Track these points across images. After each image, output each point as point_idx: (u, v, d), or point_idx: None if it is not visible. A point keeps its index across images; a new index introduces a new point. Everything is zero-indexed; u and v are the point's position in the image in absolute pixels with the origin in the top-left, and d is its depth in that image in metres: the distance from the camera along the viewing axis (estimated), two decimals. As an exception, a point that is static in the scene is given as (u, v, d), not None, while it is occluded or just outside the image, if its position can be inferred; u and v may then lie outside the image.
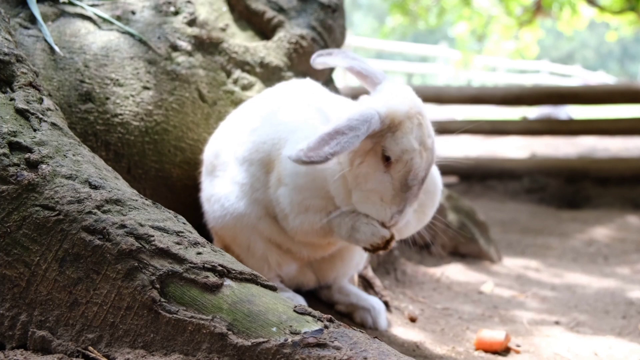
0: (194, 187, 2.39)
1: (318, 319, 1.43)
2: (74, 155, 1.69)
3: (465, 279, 3.20)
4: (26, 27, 2.30)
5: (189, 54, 2.55)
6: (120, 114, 2.33)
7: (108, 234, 1.51)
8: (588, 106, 8.47)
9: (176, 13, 2.62)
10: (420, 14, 13.40)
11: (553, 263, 3.79)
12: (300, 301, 2.10)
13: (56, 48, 2.30)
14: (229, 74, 2.63)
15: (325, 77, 2.83)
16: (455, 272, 3.28)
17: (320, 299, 2.36)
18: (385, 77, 1.90)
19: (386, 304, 2.45)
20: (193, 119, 2.49)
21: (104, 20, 2.49)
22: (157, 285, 1.46)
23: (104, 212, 1.56)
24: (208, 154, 2.26)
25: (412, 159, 1.74)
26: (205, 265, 1.51)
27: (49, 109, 1.80)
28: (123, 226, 1.53)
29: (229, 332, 1.40)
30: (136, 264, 1.48)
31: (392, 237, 1.86)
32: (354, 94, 2.32)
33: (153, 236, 1.53)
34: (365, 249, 1.90)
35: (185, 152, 2.46)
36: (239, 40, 2.72)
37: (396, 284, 2.86)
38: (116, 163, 2.30)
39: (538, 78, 21.95)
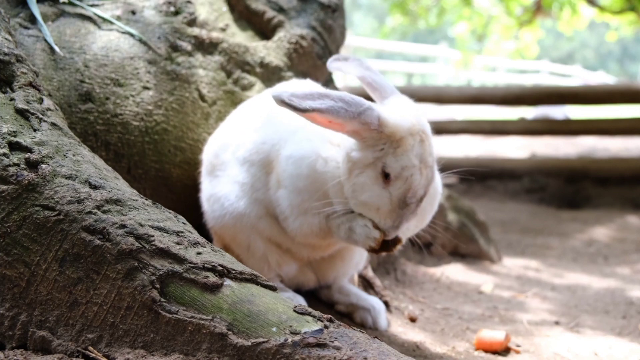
0: (194, 187, 2.39)
1: (318, 319, 1.43)
2: (74, 155, 1.69)
3: (465, 279, 3.20)
4: (26, 27, 2.30)
5: (189, 54, 2.55)
6: (120, 114, 2.33)
7: (108, 234, 1.51)
8: (588, 106, 8.47)
9: (176, 13, 2.62)
10: (420, 14, 13.40)
11: (553, 263, 3.79)
12: (300, 301, 2.10)
13: (56, 48, 2.30)
14: (229, 74, 2.63)
15: (325, 78, 2.83)
16: (455, 272, 3.28)
17: (320, 299, 2.36)
18: (394, 92, 1.89)
19: (386, 304, 2.45)
20: (193, 119, 2.50)
21: (104, 20, 2.49)
22: (157, 285, 1.46)
23: (104, 212, 1.56)
24: (208, 154, 2.26)
25: (412, 176, 1.73)
26: (205, 265, 1.51)
27: (49, 109, 1.80)
28: (123, 226, 1.53)
29: (229, 332, 1.40)
30: (136, 264, 1.48)
31: (398, 241, 1.86)
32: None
33: (153, 236, 1.53)
34: (367, 250, 1.90)
35: (185, 152, 2.46)
36: (239, 40, 2.73)
37: (396, 284, 2.86)
38: (116, 163, 2.30)
39: (538, 78, 21.95)
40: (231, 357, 1.38)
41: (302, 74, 2.68)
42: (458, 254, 3.54)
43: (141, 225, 1.55)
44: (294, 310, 1.45)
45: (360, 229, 1.82)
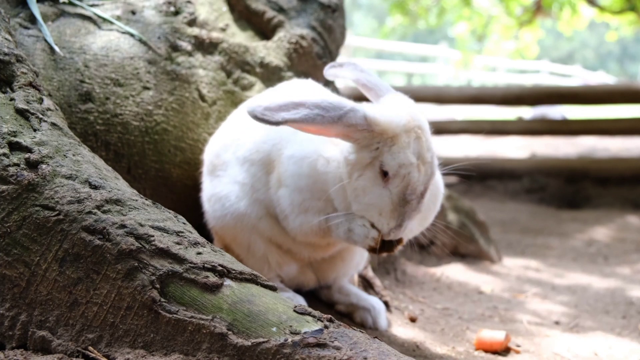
0: (194, 187, 2.39)
1: (318, 319, 1.43)
2: (74, 155, 1.69)
3: (465, 279, 3.20)
4: (26, 27, 2.30)
5: (189, 54, 2.55)
6: (120, 114, 2.33)
7: (108, 234, 1.51)
8: (588, 106, 8.47)
9: (176, 13, 2.62)
10: (420, 14, 13.39)
11: (553, 263, 3.79)
12: (300, 301, 2.10)
13: (56, 48, 2.30)
14: (229, 74, 2.63)
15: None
16: (455, 272, 3.28)
17: (320, 299, 2.36)
18: (389, 91, 1.89)
19: (386, 304, 2.45)
20: (193, 119, 2.50)
21: (104, 20, 2.49)
22: (157, 285, 1.46)
23: (104, 212, 1.56)
24: (208, 154, 2.26)
25: (410, 174, 1.73)
26: (205, 265, 1.51)
27: (49, 109, 1.80)
28: (123, 226, 1.53)
29: (229, 332, 1.40)
30: (136, 264, 1.48)
31: (399, 241, 1.86)
32: (354, 94, 2.32)
33: (153, 236, 1.53)
34: (368, 250, 1.90)
35: (185, 152, 2.46)
36: (239, 40, 2.73)
37: (396, 284, 2.86)
38: (116, 163, 2.30)
39: (538, 78, 21.95)
40: (231, 357, 1.38)
41: (302, 74, 2.68)
42: (458, 254, 3.54)
43: (141, 225, 1.55)
44: (294, 310, 1.45)
45: (359, 229, 1.82)
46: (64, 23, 2.43)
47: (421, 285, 2.98)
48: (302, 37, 2.72)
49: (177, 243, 1.54)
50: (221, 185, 2.11)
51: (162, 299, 1.46)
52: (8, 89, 1.81)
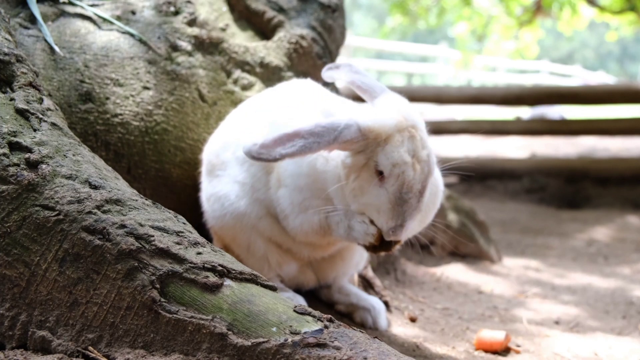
0: (194, 187, 2.39)
1: (318, 319, 1.43)
2: (74, 155, 1.69)
3: (465, 279, 3.20)
4: (26, 27, 2.30)
5: (189, 54, 2.55)
6: (120, 114, 2.33)
7: (108, 234, 1.51)
8: (588, 106, 8.47)
9: (176, 13, 2.62)
10: (420, 14, 13.39)
11: (553, 263, 3.79)
12: (300, 301, 2.10)
13: (56, 48, 2.30)
14: (229, 74, 2.63)
15: (326, 77, 2.83)
16: (455, 272, 3.28)
17: (320, 299, 2.36)
18: (383, 91, 1.90)
19: (386, 304, 2.45)
20: (193, 119, 2.50)
21: (104, 20, 2.49)
22: (157, 285, 1.46)
23: (104, 212, 1.56)
24: (208, 154, 2.26)
25: (404, 172, 1.72)
26: (205, 265, 1.51)
27: (49, 109, 1.80)
28: (123, 226, 1.53)
29: (229, 332, 1.40)
30: (136, 264, 1.48)
31: (397, 241, 1.86)
32: (354, 95, 2.32)
33: (153, 236, 1.53)
34: (366, 248, 1.90)
35: (185, 152, 2.46)
36: (239, 40, 2.73)
37: (396, 284, 2.86)
38: (116, 163, 2.30)
39: (538, 78, 21.94)
40: (231, 357, 1.38)
41: (302, 74, 2.68)
42: (458, 254, 3.54)
43: (141, 225, 1.55)
44: (294, 310, 1.45)
45: (358, 226, 1.83)
46: (64, 23, 2.43)
47: (421, 285, 2.98)
48: (302, 37, 2.72)
49: (177, 243, 1.54)
50: (220, 184, 2.11)
51: (162, 299, 1.46)
52: (8, 89, 1.81)
